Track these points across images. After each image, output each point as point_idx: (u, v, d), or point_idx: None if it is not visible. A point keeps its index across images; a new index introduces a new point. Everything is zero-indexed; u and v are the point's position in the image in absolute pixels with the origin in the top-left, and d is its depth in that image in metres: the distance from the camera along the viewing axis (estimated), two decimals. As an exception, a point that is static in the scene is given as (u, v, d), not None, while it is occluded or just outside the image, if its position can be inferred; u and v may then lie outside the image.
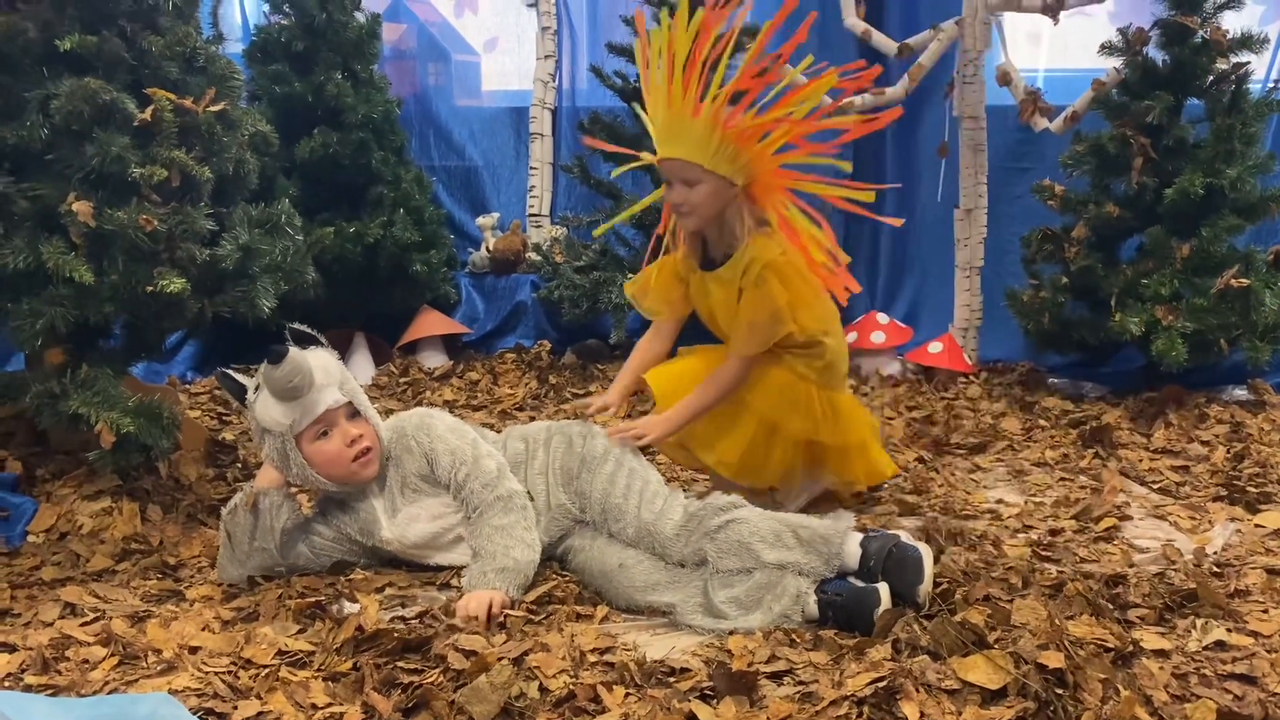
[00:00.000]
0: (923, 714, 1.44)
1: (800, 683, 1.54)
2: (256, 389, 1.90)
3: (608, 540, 1.95)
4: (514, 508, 1.93)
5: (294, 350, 1.86)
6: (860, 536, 1.81)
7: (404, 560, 2.00)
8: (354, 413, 1.95)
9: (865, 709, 1.44)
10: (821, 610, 1.73)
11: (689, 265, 2.24)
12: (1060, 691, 1.45)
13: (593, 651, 1.64)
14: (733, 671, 1.53)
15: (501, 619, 1.76)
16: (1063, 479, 2.59)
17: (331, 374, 1.93)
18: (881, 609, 1.68)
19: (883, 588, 1.71)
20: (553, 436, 2.08)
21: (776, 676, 1.56)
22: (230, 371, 1.94)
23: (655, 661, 1.60)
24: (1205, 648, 1.63)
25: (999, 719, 1.42)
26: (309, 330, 1.98)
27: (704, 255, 2.21)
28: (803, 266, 2.10)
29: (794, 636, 1.68)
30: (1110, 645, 1.59)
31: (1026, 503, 2.41)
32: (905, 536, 1.82)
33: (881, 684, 1.47)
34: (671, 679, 1.56)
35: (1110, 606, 1.76)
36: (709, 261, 2.20)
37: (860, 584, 1.74)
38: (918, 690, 1.47)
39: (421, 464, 1.98)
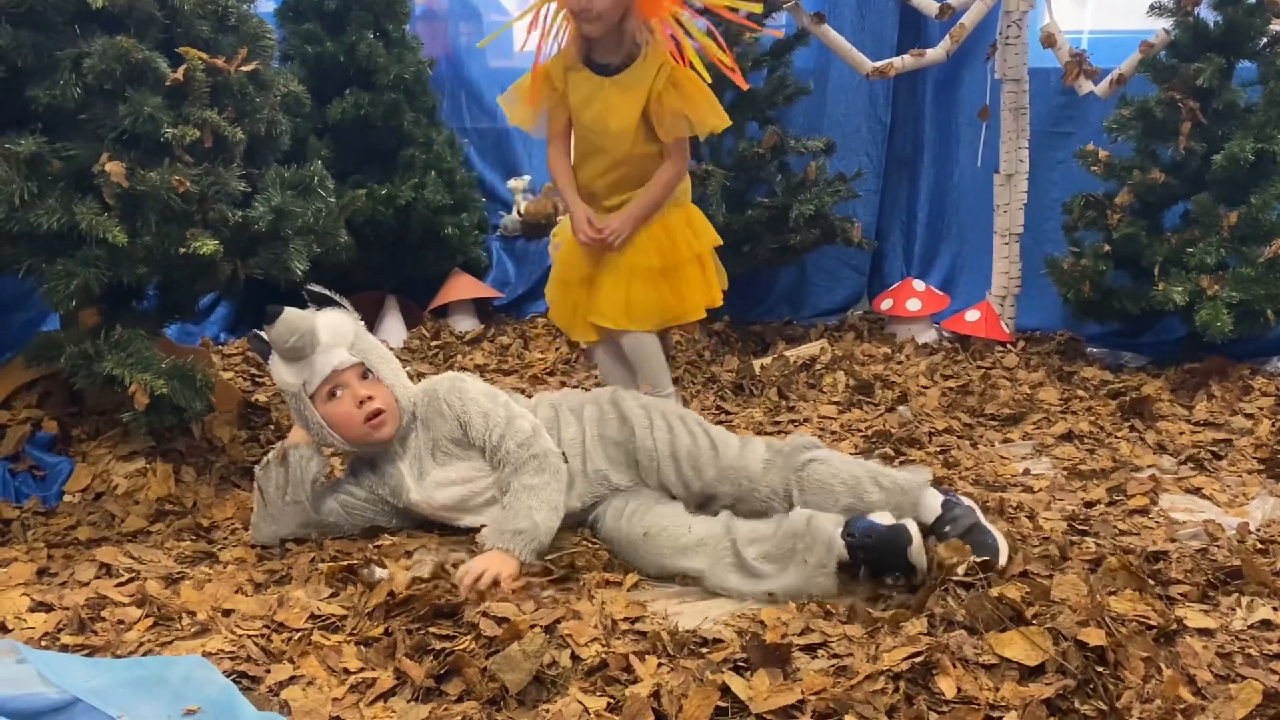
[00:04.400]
0: (960, 689, 1.42)
1: (835, 656, 1.52)
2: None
3: (636, 508, 1.93)
4: (547, 468, 1.90)
5: (290, 311, 1.84)
6: (942, 497, 1.82)
7: (436, 522, 2.00)
8: (367, 374, 1.94)
9: (901, 684, 1.42)
10: (852, 554, 1.71)
11: (575, 73, 2.40)
12: (1101, 670, 1.42)
13: (624, 620, 1.63)
14: (766, 643, 1.51)
15: (509, 589, 1.72)
16: (1097, 451, 2.55)
17: (341, 334, 1.91)
18: (914, 546, 1.69)
19: (911, 524, 1.71)
20: (584, 406, 2.06)
21: (810, 649, 1.54)
22: (261, 333, 1.93)
23: (687, 632, 1.59)
24: (1250, 626, 1.60)
25: (1037, 696, 1.39)
26: (327, 292, 1.97)
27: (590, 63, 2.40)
28: (691, 73, 2.37)
29: (829, 608, 1.66)
30: (1152, 623, 1.56)
31: (1058, 474, 2.37)
32: (983, 517, 1.82)
33: (918, 659, 1.45)
34: (704, 650, 1.54)
35: (1152, 582, 1.72)
36: (600, 68, 2.38)
37: (886, 523, 1.73)
38: (955, 665, 1.45)
39: (453, 427, 1.97)
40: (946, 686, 1.42)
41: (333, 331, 1.90)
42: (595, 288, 2.50)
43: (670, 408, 2.06)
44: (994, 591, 1.59)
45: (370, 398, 1.91)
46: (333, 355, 1.89)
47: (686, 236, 2.50)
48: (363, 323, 2.00)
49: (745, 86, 2.61)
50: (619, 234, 2.40)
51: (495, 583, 1.72)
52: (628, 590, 1.78)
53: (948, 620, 1.57)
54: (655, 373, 2.57)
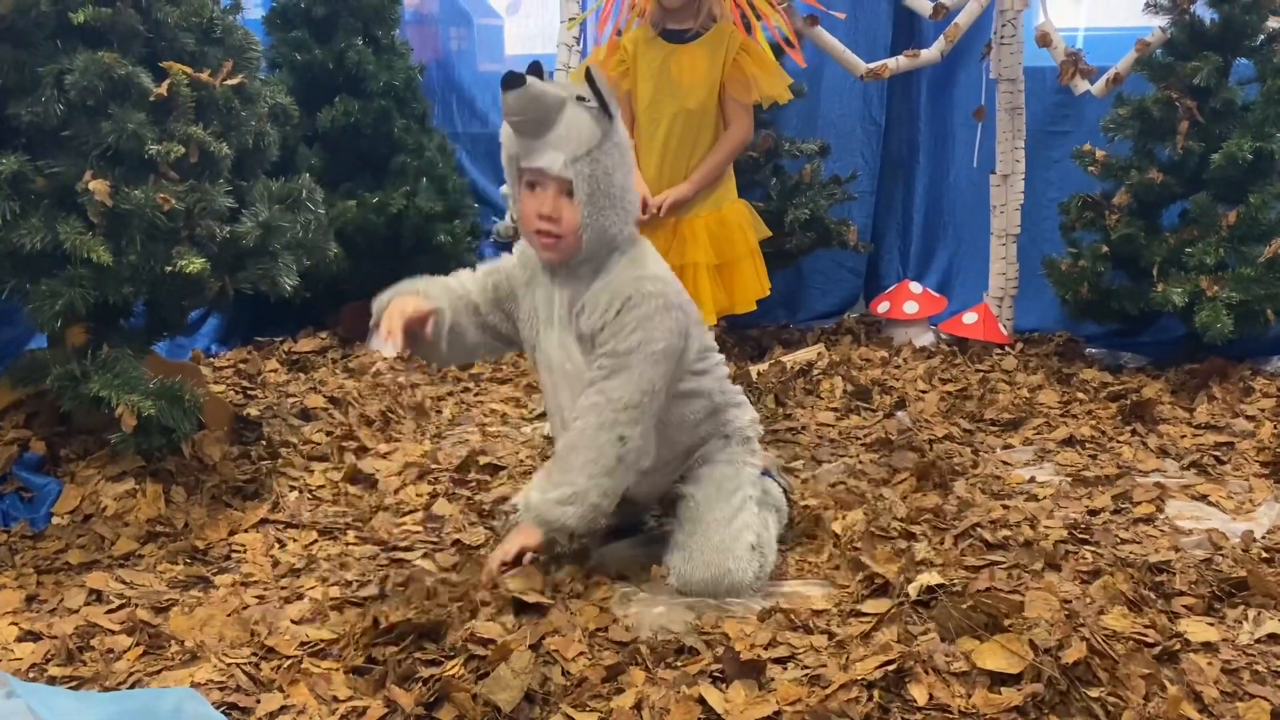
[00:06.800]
0: (931, 696, 1.41)
1: (806, 667, 1.51)
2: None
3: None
4: (615, 451, 1.68)
5: (535, 88, 1.59)
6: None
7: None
8: (570, 192, 1.67)
9: (875, 692, 1.42)
10: None
11: (648, 43, 2.64)
12: (1093, 693, 1.39)
13: (598, 630, 1.63)
14: (739, 655, 1.50)
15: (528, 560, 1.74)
16: (1100, 456, 2.52)
17: (574, 141, 1.63)
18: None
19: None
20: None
21: (781, 661, 1.54)
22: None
23: (664, 641, 1.59)
24: (1257, 641, 1.57)
25: (1009, 703, 1.38)
26: (601, 88, 1.64)
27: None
28: (758, 45, 2.68)
29: (792, 618, 1.64)
30: (1150, 640, 1.53)
31: (1063, 482, 2.34)
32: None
33: (890, 667, 1.44)
34: (679, 662, 1.54)
35: (1153, 596, 1.70)
36: (674, 35, 2.64)
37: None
38: (927, 673, 1.44)
39: (598, 332, 1.72)
40: (919, 694, 1.42)
41: (568, 131, 1.63)
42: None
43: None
44: (964, 605, 1.56)
45: (551, 218, 1.68)
46: (547, 155, 1.64)
47: (744, 231, 2.69)
48: (624, 133, 1.70)
49: (804, 64, 2.99)
50: (683, 196, 2.62)
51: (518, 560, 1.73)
52: (600, 599, 1.76)
53: (908, 633, 1.57)
54: None
